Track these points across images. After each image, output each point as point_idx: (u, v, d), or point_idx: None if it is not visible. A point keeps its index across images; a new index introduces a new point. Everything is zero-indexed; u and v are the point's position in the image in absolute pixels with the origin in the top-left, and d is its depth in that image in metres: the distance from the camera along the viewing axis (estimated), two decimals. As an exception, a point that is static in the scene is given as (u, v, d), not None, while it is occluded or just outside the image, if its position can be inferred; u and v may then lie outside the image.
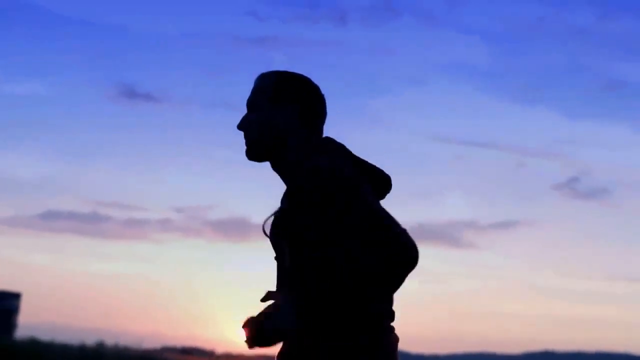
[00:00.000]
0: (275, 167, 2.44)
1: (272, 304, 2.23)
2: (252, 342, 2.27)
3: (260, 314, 2.25)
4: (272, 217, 2.38)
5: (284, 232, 2.30)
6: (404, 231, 2.17)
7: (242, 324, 2.28)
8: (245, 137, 2.45)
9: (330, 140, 2.41)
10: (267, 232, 2.40)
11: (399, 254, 2.13)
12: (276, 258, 2.39)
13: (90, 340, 22.35)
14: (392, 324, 2.31)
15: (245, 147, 2.45)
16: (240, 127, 2.45)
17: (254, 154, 2.44)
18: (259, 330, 2.23)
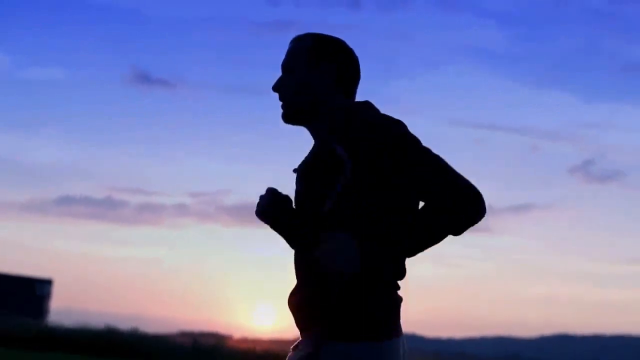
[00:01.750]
0: (311, 129, 2.45)
1: (325, 243, 2.22)
2: (262, 214, 2.40)
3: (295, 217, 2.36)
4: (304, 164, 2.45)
5: (329, 176, 2.31)
6: (471, 184, 2.27)
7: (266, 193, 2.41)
8: (281, 99, 2.44)
9: (369, 102, 2.43)
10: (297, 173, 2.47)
11: (476, 208, 2.25)
12: (301, 203, 2.42)
13: (100, 324, 22.71)
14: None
15: (281, 110, 2.45)
16: (275, 88, 2.45)
17: (291, 117, 2.44)
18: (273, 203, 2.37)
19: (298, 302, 2.36)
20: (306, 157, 2.48)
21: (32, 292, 32.29)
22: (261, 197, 2.43)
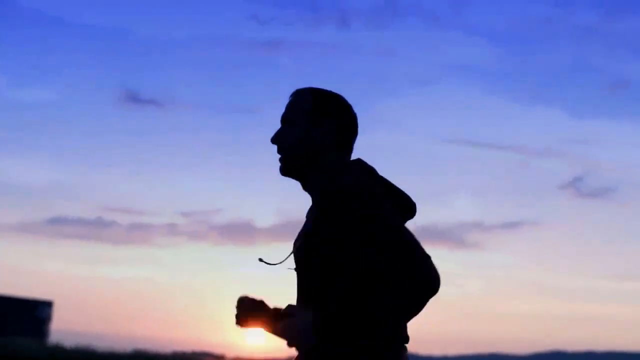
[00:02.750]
0: (306, 186, 2.46)
1: (291, 315, 2.27)
2: (240, 321, 2.39)
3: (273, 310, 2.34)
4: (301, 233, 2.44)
5: (308, 253, 2.32)
6: (427, 258, 2.20)
7: (237, 302, 2.38)
8: (279, 151, 2.44)
9: (360, 161, 2.42)
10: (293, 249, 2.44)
11: (423, 286, 2.18)
12: (297, 270, 2.42)
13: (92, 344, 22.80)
14: (405, 345, 2.34)
15: (279, 163, 2.45)
16: (274, 140, 2.45)
17: (288, 170, 2.44)
18: (249, 312, 2.36)
19: None
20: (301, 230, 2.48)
21: (33, 314, 32.26)
22: (236, 307, 2.39)
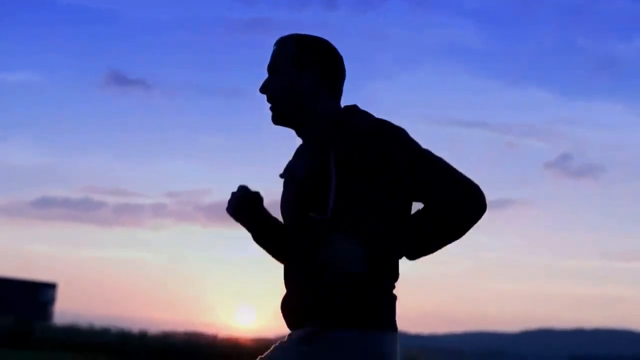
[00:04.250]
0: (300, 132, 2.46)
1: (334, 244, 2.26)
2: (236, 210, 2.42)
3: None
4: (291, 170, 2.47)
5: (321, 185, 2.31)
6: (474, 182, 2.32)
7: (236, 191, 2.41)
8: (269, 100, 2.44)
9: (357, 107, 2.44)
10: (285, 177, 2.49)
11: (480, 206, 2.30)
12: (285, 218, 2.45)
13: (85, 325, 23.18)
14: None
15: (270, 112, 2.45)
16: (262, 90, 2.45)
17: (279, 118, 2.44)
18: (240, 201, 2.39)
19: (292, 306, 2.38)
20: (291, 161, 2.52)
21: (36, 296, 32.45)
22: (232, 194, 2.45)
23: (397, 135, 2.30)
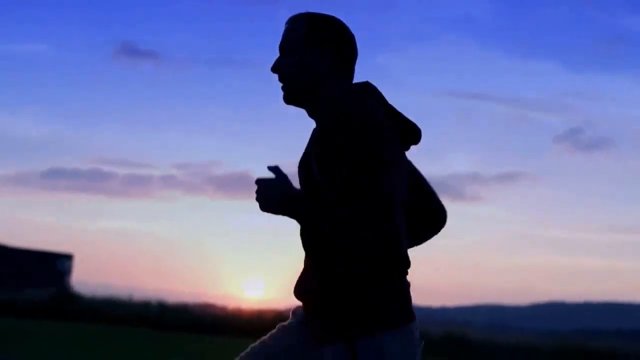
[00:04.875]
0: (311, 112, 2.43)
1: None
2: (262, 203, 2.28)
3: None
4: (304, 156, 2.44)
5: (312, 171, 2.31)
6: (434, 193, 2.41)
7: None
8: (281, 80, 2.43)
9: (368, 84, 2.40)
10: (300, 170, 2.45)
11: (439, 219, 2.43)
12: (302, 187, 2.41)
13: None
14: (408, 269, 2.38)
15: (282, 92, 2.43)
16: (274, 70, 2.43)
17: (292, 98, 2.42)
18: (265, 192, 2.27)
19: (306, 293, 2.38)
20: (306, 149, 2.47)
21: (53, 267, 32.51)
22: (259, 183, 2.30)
23: (380, 131, 2.22)
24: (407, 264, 2.33)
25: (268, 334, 2.50)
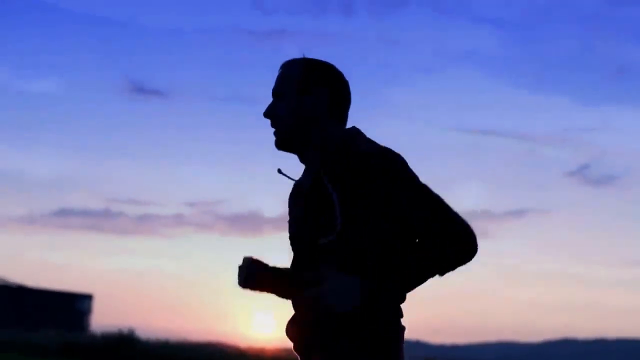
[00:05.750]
0: (303, 158, 2.42)
1: (326, 282, 2.21)
2: (247, 282, 2.28)
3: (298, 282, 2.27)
4: (299, 185, 2.43)
5: (321, 207, 2.28)
6: (467, 223, 2.26)
7: (241, 263, 2.29)
8: (273, 125, 2.40)
9: (357, 129, 2.39)
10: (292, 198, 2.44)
11: (470, 248, 2.24)
12: (294, 234, 2.40)
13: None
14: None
15: (274, 137, 2.41)
16: (267, 115, 2.40)
17: (283, 143, 2.40)
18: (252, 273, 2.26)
19: (297, 334, 2.35)
20: (298, 181, 2.46)
21: (72, 307, 32.61)
22: (240, 267, 2.32)
23: (396, 166, 2.25)
24: (402, 300, 2.31)
25: None
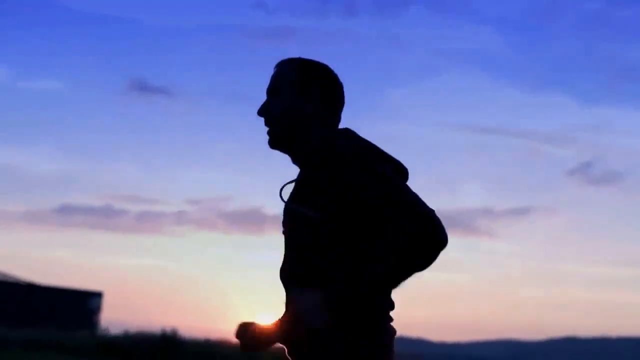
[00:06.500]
0: (295, 158, 2.41)
1: (297, 302, 2.22)
2: (248, 347, 2.33)
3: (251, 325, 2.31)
4: (292, 186, 2.43)
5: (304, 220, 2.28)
6: (432, 210, 2.15)
7: (236, 331, 2.33)
8: (267, 124, 2.41)
9: (350, 129, 2.38)
10: (284, 198, 2.43)
11: (432, 232, 2.10)
12: (285, 234, 2.40)
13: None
14: (391, 313, 2.31)
15: (267, 136, 2.41)
16: (260, 113, 2.41)
17: (277, 142, 2.40)
18: (249, 338, 2.31)
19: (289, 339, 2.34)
20: (293, 181, 2.45)
21: (83, 305, 32.60)
22: (236, 334, 2.35)
23: (365, 162, 2.21)
24: (391, 308, 2.30)
25: None
